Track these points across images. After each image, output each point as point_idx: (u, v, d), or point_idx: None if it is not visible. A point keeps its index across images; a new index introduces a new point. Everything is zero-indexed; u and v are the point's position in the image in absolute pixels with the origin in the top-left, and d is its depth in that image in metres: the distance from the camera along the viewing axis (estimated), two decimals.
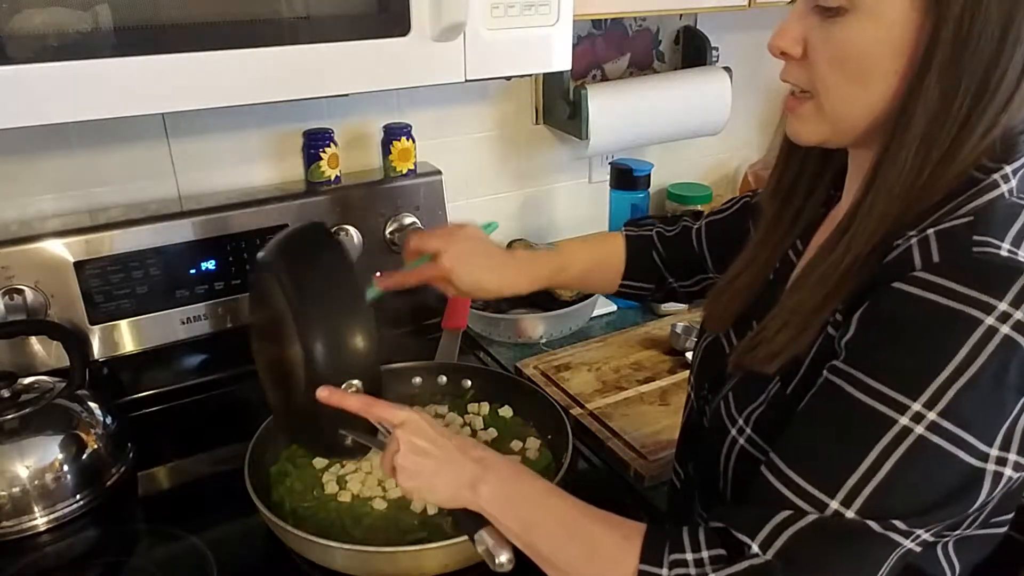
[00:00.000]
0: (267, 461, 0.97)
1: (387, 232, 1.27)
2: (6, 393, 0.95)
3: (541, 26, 0.98)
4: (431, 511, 0.90)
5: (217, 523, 0.95)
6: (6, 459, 0.92)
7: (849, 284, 0.62)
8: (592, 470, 1.04)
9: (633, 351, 1.29)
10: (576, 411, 1.13)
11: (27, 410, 0.94)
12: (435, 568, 0.83)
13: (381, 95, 1.30)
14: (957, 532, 0.66)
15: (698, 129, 1.48)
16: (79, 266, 1.06)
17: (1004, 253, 0.55)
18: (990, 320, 0.53)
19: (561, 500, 0.69)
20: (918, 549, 0.58)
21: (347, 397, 0.76)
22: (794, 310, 0.65)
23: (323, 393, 0.75)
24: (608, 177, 1.48)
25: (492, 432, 1.04)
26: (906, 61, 0.58)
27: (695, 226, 0.97)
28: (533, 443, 1.02)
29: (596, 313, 1.41)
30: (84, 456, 0.96)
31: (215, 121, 1.20)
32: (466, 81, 0.96)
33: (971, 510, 0.57)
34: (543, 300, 1.37)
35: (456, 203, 1.40)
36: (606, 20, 1.46)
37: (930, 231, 0.58)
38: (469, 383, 1.12)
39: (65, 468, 0.94)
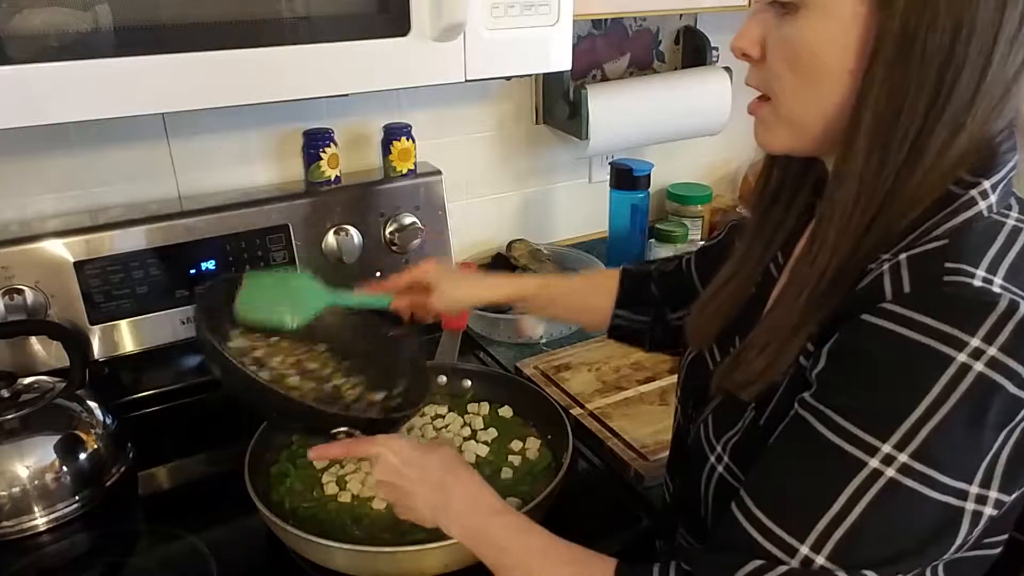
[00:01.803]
0: (267, 461, 0.97)
1: (387, 232, 1.27)
2: (6, 393, 0.96)
3: (541, 26, 0.98)
4: None
5: (217, 523, 0.95)
6: (6, 459, 0.92)
7: (822, 309, 0.60)
8: (592, 470, 1.04)
9: (633, 351, 1.29)
10: (576, 411, 1.13)
11: (27, 410, 0.94)
12: (435, 568, 0.83)
13: (381, 95, 1.30)
14: (946, 556, 0.64)
15: (698, 129, 1.48)
16: (79, 266, 1.06)
17: (977, 283, 0.52)
18: (962, 357, 0.51)
19: (528, 538, 0.69)
20: None
21: (331, 449, 0.81)
22: (769, 334, 0.63)
23: (312, 455, 0.82)
24: (608, 177, 1.48)
25: (492, 432, 1.04)
26: (857, 60, 0.56)
27: (686, 257, 0.96)
28: (533, 443, 1.02)
29: None
30: (84, 456, 0.96)
31: (215, 121, 1.20)
32: (466, 81, 0.96)
33: (948, 552, 0.55)
34: None
35: (456, 203, 1.40)
36: (606, 20, 1.46)
37: (903, 256, 0.55)
38: (469, 383, 1.12)
39: (65, 468, 0.94)
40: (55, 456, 0.94)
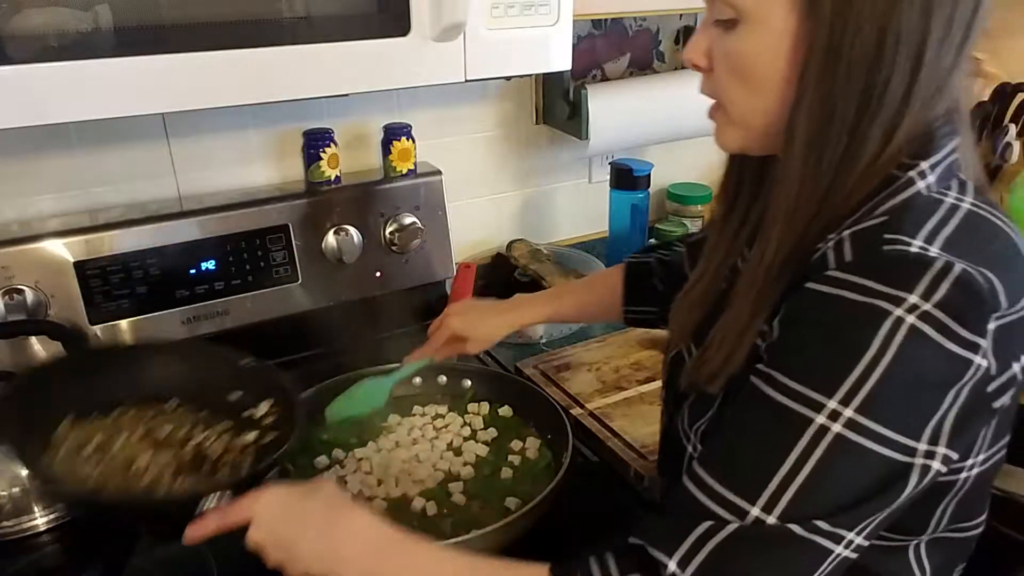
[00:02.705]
0: None
1: (387, 232, 1.27)
2: None
3: (541, 26, 0.98)
4: (430, 511, 0.90)
5: None
6: (6, 459, 0.91)
7: (772, 295, 0.62)
8: (592, 470, 1.04)
9: (633, 351, 1.29)
10: (576, 411, 1.13)
11: None
12: None
13: (381, 95, 1.30)
14: (925, 536, 0.66)
15: (698, 129, 1.47)
16: (79, 266, 1.06)
17: (915, 249, 0.54)
18: (899, 311, 0.52)
19: (440, 568, 0.65)
20: (853, 555, 0.57)
21: (204, 526, 0.68)
22: (726, 330, 0.65)
23: (187, 540, 0.68)
24: (608, 177, 1.48)
25: (492, 432, 1.04)
26: (792, 68, 0.59)
27: (683, 248, 0.97)
28: (533, 443, 1.02)
29: None
30: None
31: (215, 121, 1.20)
32: (466, 81, 0.96)
33: (898, 502, 0.56)
34: None
35: (456, 203, 1.40)
36: (606, 20, 1.46)
37: (846, 233, 0.58)
38: (469, 383, 1.12)
39: None
40: None
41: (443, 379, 1.13)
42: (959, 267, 0.53)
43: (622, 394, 1.17)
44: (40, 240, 1.05)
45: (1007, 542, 0.86)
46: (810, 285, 0.57)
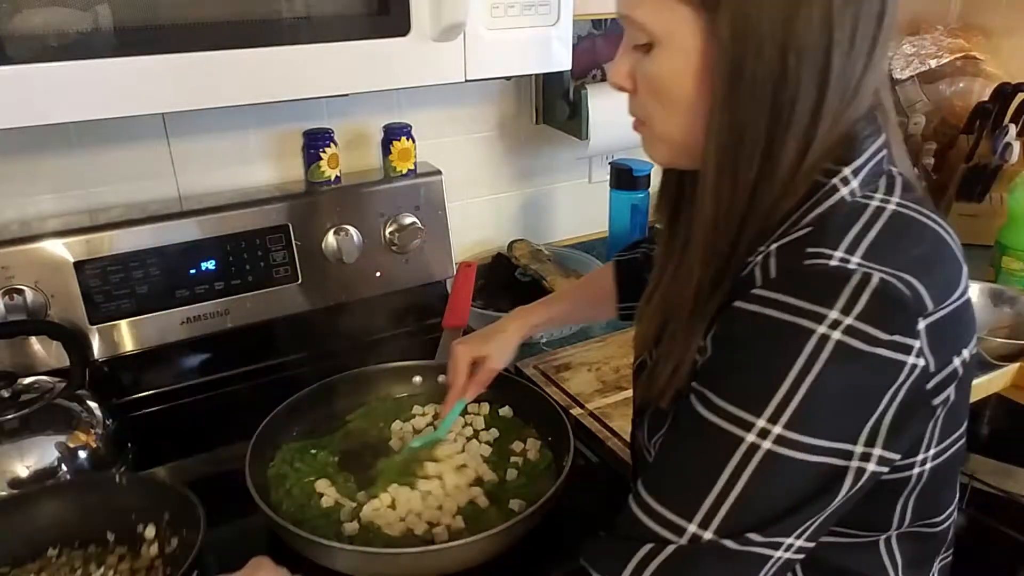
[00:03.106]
0: (267, 461, 0.97)
1: (387, 232, 1.27)
2: (6, 393, 0.95)
3: (541, 26, 0.98)
4: (434, 514, 0.90)
5: (217, 523, 0.95)
6: (6, 459, 0.92)
7: (707, 312, 0.63)
8: (592, 470, 1.04)
9: (633, 351, 1.29)
10: (576, 411, 1.13)
11: (27, 410, 0.94)
12: (436, 569, 0.83)
13: (381, 95, 1.30)
14: (892, 531, 0.67)
15: None
16: (79, 266, 1.06)
17: (834, 263, 0.55)
18: (822, 328, 0.53)
19: None
20: (798, 556, 0.58)
21: None
22: (669, 343, 0.67)
23: None
24: (608, 177, 1.48)
25: (493, 432, 1.04)
26: (703, 89, 0.60)
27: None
28: (533, 443, 1.02)
29: None
30: (84, 456, 0.96)
31: (215, 121, 1.20)
32: (466, 81, 0.96)
33: (835, 504, 0.57)
34: None
35: (456, 203, 1.40)
36: (606, 20, 1.46)
37: (773, 246, 0.59)
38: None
39: (65, 468, 0.94)
40: (55, 456, 0.94)
41: (442, 378, 1.13)
42: (877, 277, 0.54)
43: (622, 394, 1.17)
44: (40, 240, 1.05)
45: (1007, 542, 0.87)
46: (737, 304, 0.58)
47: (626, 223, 1.47)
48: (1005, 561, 0.86)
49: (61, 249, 1.06)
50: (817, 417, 0.54)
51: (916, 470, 0.63)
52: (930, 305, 0.55)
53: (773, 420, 0.54)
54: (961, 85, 1.76)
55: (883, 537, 0.67)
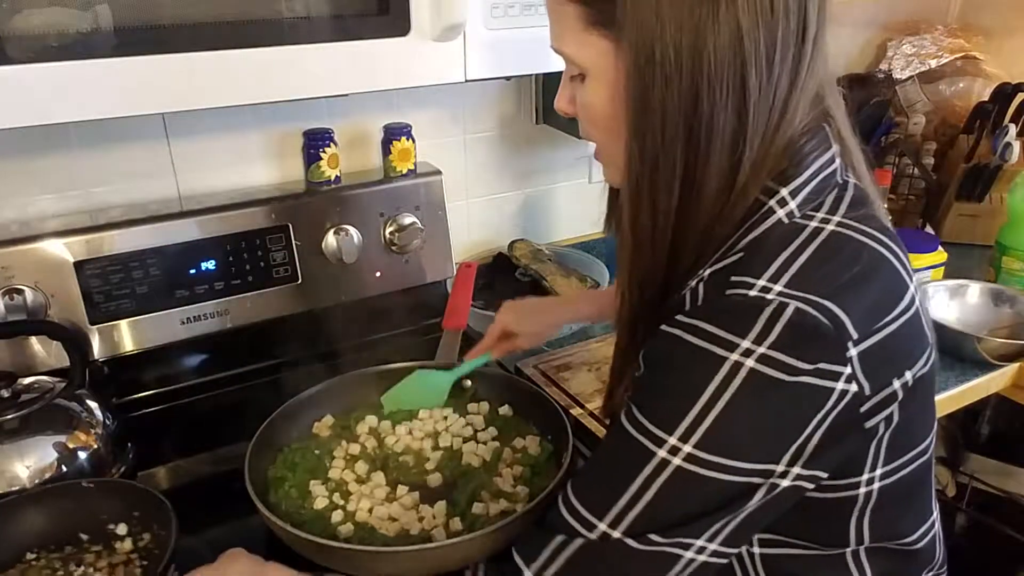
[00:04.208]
0: (267, 461, 0.97)
1: (387, 232, 1.27)
2: (6, 393, 0.95)
3: (541, 26, 0.97)
4: (433, 509, 0.90)
5: (217, 523, 0.95)
6: (6, 459, 0.92)
7: (644, 334, 0.65)
8: None
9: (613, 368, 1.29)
10: (576, 411, 1.13)
11: (27, 410, 0.94)
12: (435, 568, 0.83)
13: (381, 95, 1.30)
14: (857, 546, 0.67)
15: None
16: (79, 266, 1.06)
17: (754, 292, 0.56)
18: (734, 356, 0.55)
19: None
20: (716, 560, 0.60)
21: None
22: (616, 363, 0.70)
23: None
24: None
25: (492, 431, 1.04)
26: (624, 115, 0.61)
27: None
28: (533, 442, 1.02)
29: None
30: (84, 456, 0.96)
31: (215, 121, 1.20)
32: (466, 81, 0.96)
33: (746, 512, 0.59)
34: None
35: (456, 203, 1.40)
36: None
37: (707, 271, 0.60)
38: (469, 382, 1.12)
39: (65, 468, 0.94)
40: (55, 456, 0.94)
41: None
42: (792, 307, 0.55)
43: None
44: (40, 240, 1.05)
45: (1007, 542, 0.87)
46: (663, 327, 0.60)
47: None
48: (1005, 561, 0.86)
49: (61, 249, 1.06)
50: (728, 440, 0.56)
51: (862, 489, 0.63)
52: (854, 332, 0.55)
53: (683, 439, 0.57)
54: (961, 85, 1.76)
55: (849, 551, 0.67)
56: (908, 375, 0.59)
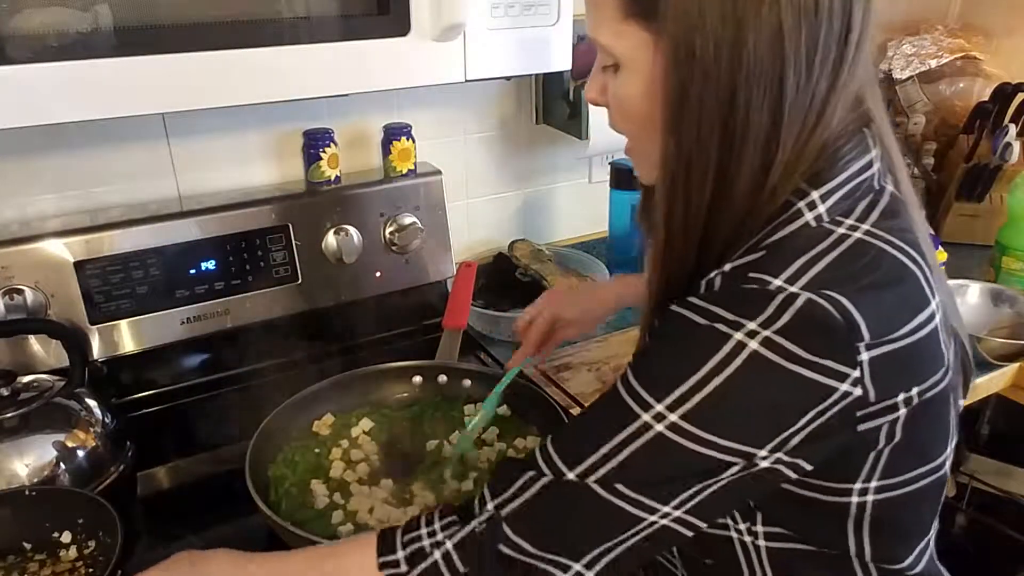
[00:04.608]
0: (266, 461, 0.97)
1: (387, 232, 1.27)
2: (5, 392, 0.95)
3: (541, 26, 0.98)
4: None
5: (217, 523, 0.95)
6: (5, 458, 0.91)
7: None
8: None
9: (633, 351, 1.29)
10: (576, 411, 1.13)
11: (26, 408, 0.94)
12: None
13: (381, 95, 1.30)
14: (860, 556, 0.66)
15: None
16: (79, 266, 1.07)
17: (771, 288, 0.56)
18: (739, 335, 0.55)
19: (294, 555, 0.71)
20: (681, 528, 0.60)
21: None
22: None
23: None
24: (608, 177, 1.48)
25: (492, 431, 1.04)
26: (660, 109, 0.60)
27: None
28: (533, 443, 1.02)
29: None
30: (83, 455, 0.96)
31: (215, 121, 1.20)
32: (466, 81, 0.96)
33: (719, 486, 0.59)
34: None
35: (456, 203, 1.40)
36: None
37: (728, 266, 0.60)
38: (469, 382, 1.12)
39: (64, 467, 0.94)
40: (54, 455, 0.94)
41: (443, 378, 1.13)
42: (805, 297, 0.54)
43: None
44: (40, 240, 1.05)
45: (1007, 542, 0.87)
46: (672, 306, 0.60)
47: (626, 223, 1.47)
48: (1005, 561, 0.86)
49: (61, 249, 1.06)
50: (719, 417, 0.56)
51: (855, 498, 0.62)
52: (867, 335, 0.55)
53: (671, 408, 0.57)
54: (961, 85, 1.76)
55: (853, 554, 0.66)
56: (914, 391, 0.58)
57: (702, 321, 0.57)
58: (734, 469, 0.58)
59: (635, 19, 0.60)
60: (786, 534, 0.67)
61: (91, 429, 0.98)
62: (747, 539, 0.69)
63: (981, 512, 1.33)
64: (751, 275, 0.57)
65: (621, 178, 1.45)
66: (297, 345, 1.23)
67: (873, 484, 0.62)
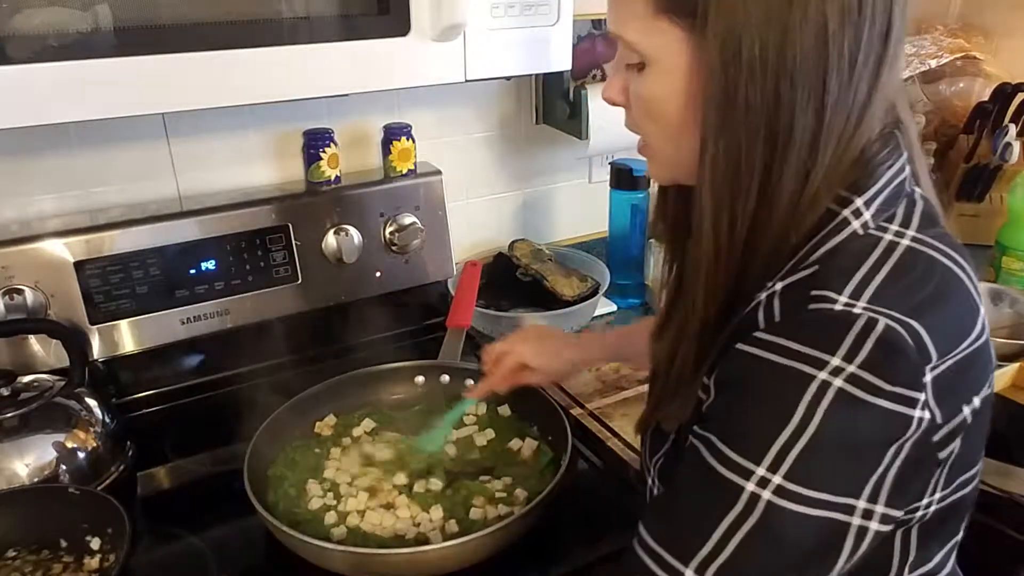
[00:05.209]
0: (266, 461, 0.97)
1: (387, 232, 1.27)
2: (5, 391, 0.95)
3: (541, 26, 0.98)
4: (431, 510, 0.90)
5: (217, 523, 0.95)
6: (5, 457, 0.92)
7: (712, 347, 0.61)
8: (592, 470, 1.04)
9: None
10: (576, 411, 1.13)
11: (26, 408, 0.94)
12: (432, 569, 0.83)
13: (381, 95, 1.30)
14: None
15: None
16: (79, 266, 1.07)
17: (839, 307, 0.53)
18: (823, 375, 0.51)
19: None
20: None
21: None
22: (675, 375, 0.65)
23: None
24: (608, 177, 1.48)
25: (490, 433, 1.04)
26: (697, 113, 0.58)
27: None
28: (533, 443, 1.02)
29: (597, 313, 1.41)
30: (83, 455, 0.96)
31: (215, 121, 1.20)
32: (466, 81, 0.96)
33: (836, 569, 0.54)
34: (546, 300, 1.37)
35: (456, 203, 1.40)
36: (606, 20, 1.46)
37: (779, 284, 0.57)
38: (471, 382, 1.12)
39: (64, 467, 0.94)
40: (54, 454, 0.94)
41: (446, 378, 1.13)
42: (883, 323, 0.52)
43: (622, 394, 1.17)
44: (40, 240, 1.05)
45: (1007, 542, 0.86)
46: (739, 346, 0.56)
47: (626, 223, 1.47)
48: (1005, 561, 0.85)
49: (61, 249, 1.06)
50: (817, 467, 0.52)
51: (919, 512, 0.60)
52: (934, 355, 0.53)
53: (773, 469, 0.52)
54: (961, 85, 1.76)
55: (896, 563, 0.64)
56: (976, 400, 0.57)
57: (780, 360, 0.53)
58: (850, 542, 0.53)
59: (669, 16, 0.57)
60: None
61: (91, 429, 0.98)
62: None
63: (981, 512, 1.32)
64: (813, 293, 0.54)
65: (621, 178, 1.45)
66: (297, 345, 1.23)
67: (938, 495, 0.60)
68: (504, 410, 1.08)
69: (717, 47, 0.55)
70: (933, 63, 1.74)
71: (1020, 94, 1.61)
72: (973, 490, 0.65)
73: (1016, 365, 1.24)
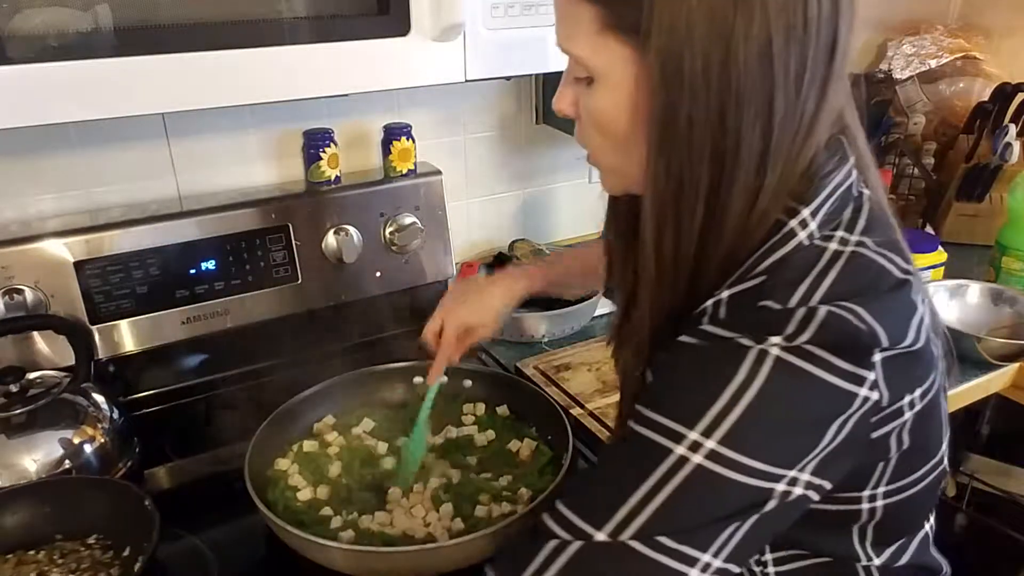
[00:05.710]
0: (267, 461, 0.97)
1: (387, 232, 1.27)
2: (14, 388, 0.96)
3: (541, 26, 0.98)
4: (431, 510, 0.90)
5: (217, 523, 0.95)
6: (14, 454, 0.92)
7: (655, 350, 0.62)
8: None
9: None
10: (576, 411, 1.13)
11: (34, 405, 0.94)
12: (433, 568, 0.83)
13: (381, 95, 1.30)
14: (871, 562, 0.66)
15: None
16: (79, 266, 1.07)
17: (790, 307, 0.54)
18: (762, 346, 0.52)
19: None
20: None
21: None
22: (625, 376, 0.67)
23: None
24: None
25: (491, 434, 1.04)
26: (643, 129, 0.58)
27: None
28: (532, 443, 1.02)
29: (598, 312, 1.41)
30: (91, 450, 0.96)
31: (215, 121, 1.20)
32: (466, 81, 0.96)
33: (751, 523, 0.55)
34: (546, 299, 1.37)
35: (456, 203, 1.40)
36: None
37: (725, 293, 0.57)
38: (470, 383, 1.12)
39: (73, 462, 0.94)
40: (62, 450, 0.94)
41: (443, 378, 1.13)
42: (824, 309, 0.53)
43: None
44: (40, 240, 1.05)
45: (1007, 542, 0.87)
46: (680, 338, 0.57)
47: None
48: (1005, 561, 0.86)
49: (61, 249, 1.06)
50: (755, 437, 0.53)
51: (866, 505, 0.62)
52: (884, 339, 0.54)
53: (707, 434, 0.53)
54: (961, 85, 1.76)
55: (861, 567, 0.66)
56: (916, 393, 0.58)
57: (720, 343, 0.54)
58: (772, 503, 0.54)
59: (614, 33, 0.57)
60: (793, 554, 0.66)
61: (99, 424, 0.99)
62: (756, 569, 0.68)
63: (981, 512, 1.33)
64: (760, 305, 0.55)
65: None
66: (297, 345, 1.23)
67: (881, 489, 0.62)
68: (503, 410, 1.08)
69: (658, 64, 0.54)
70: (933, 63, 1.74)
71: (1020, 94, 1.61)
72: (932, 486, 0.66)
73: (1016, 365, 1.24)
